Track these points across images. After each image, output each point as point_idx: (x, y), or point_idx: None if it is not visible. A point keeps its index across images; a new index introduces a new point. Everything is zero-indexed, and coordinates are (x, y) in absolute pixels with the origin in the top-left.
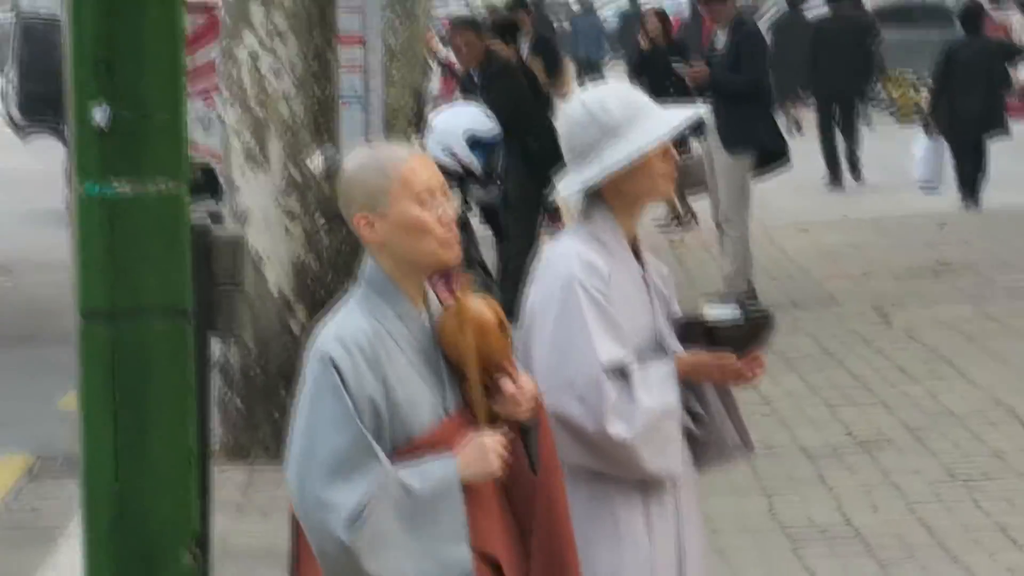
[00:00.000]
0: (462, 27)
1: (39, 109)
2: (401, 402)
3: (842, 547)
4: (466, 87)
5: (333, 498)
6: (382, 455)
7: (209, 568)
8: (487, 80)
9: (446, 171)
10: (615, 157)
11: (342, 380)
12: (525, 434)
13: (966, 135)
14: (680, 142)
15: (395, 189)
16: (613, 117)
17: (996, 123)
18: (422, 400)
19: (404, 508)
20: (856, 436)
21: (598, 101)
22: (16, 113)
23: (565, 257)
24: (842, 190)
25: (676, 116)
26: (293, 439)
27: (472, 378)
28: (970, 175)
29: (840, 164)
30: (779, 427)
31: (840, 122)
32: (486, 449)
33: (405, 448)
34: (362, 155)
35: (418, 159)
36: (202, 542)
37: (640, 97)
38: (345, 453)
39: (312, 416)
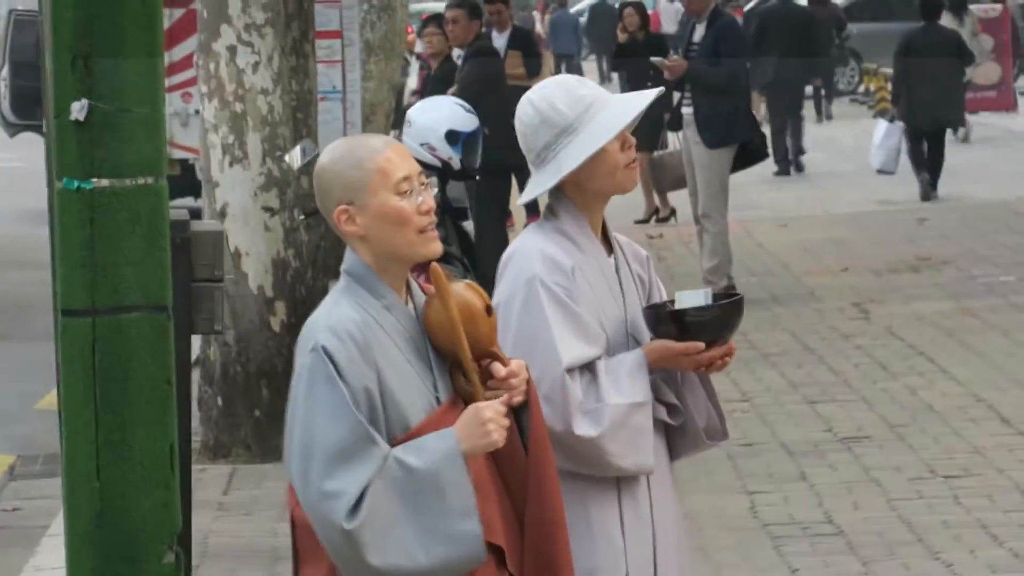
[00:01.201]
0: (459, 4)
1: (29, 107)
2: (395, 391)
3: (823, 544)
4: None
5: (335, 488)
6: (381, 441)
7: (191, 567)
8: (467, 56)
9: (424, 166)
10: (571, 157)
11: (336, 369)
12: (517, 415)
13: (923, 124)
14: (656, 138)
15: (373, 181)
16: (564, 116)
17: (954, 113)
18: (414, 389)
19: (406, 487)
20: (837, 432)
21: (547, 101)
22: (8, 111)
23: (527, 254)
24: (790, 178)
25: (630, 106)
26: (291, 432)
27: (465, 357)
28: (930, 165)
29: (788, 155)
30: (759, 423)
31: (788, 115)
32: (483, 420)
33: (401, 437)
34: (338, 149)
35: (394, 149)
36: (184, 541)
37: (590, 90)
38: (345, 442)
39: (309, 408)
